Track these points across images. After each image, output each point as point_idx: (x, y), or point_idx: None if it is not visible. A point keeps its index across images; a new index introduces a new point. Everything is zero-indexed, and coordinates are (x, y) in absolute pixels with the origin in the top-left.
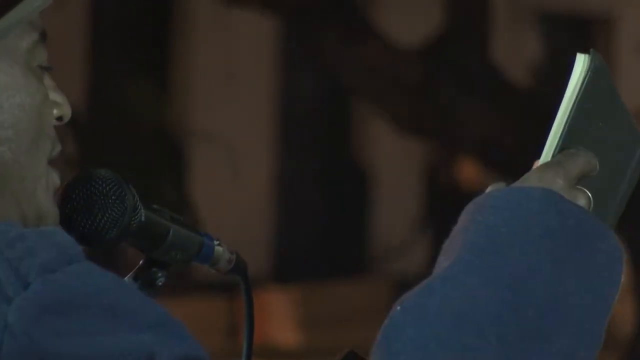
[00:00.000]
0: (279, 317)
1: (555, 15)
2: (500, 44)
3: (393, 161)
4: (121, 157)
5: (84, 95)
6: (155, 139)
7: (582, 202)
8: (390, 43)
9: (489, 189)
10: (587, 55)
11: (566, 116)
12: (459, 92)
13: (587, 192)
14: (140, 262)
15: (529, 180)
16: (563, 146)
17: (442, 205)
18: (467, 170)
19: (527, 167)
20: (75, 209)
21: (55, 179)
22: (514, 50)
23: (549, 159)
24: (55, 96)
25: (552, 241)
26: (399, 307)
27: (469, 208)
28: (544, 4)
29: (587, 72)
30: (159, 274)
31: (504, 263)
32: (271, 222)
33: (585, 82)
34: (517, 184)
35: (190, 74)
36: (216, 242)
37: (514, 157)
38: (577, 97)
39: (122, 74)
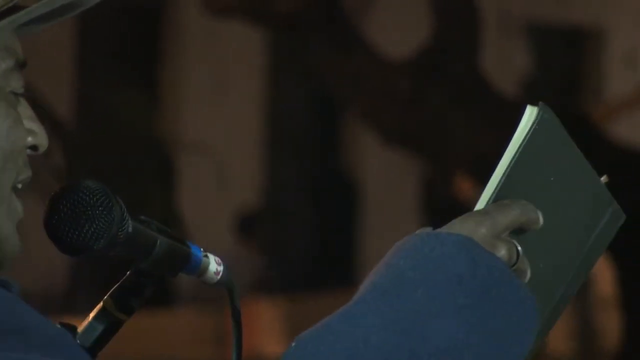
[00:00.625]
0: (267, 328)
1: (545, 27)
2: (490, 55)
3: (382, 173)
4: (110, 168)
5: (73, 106)
6: (144, 150)
7: (502, 252)
8: (379, 55)
9: (416, 232)
10: (535, 108)
11: (505, 167)
12: (449, 104)
13: (515, 243)
14: (128, 272)
15: (452, 226)
16: (499, 196)
17: (432, 217)
18: (457, 181)
19: None
20: (63, 219)
21: (18, 208)
22: (504, 62)
23: (482, 207)
24: (31, 125)
25: (458, 287)
26: (294, 344)
27: (391, 249)
28: (533, 15)
29: (533, 124)
30: (147, 285)
31: (405, 306)
32: (259, 232)
33: (530, 134)
34: (441, 229)
35: (180, 85)
36: (203, 254)
37: None
38: (518, 148)
39: (112, 85)
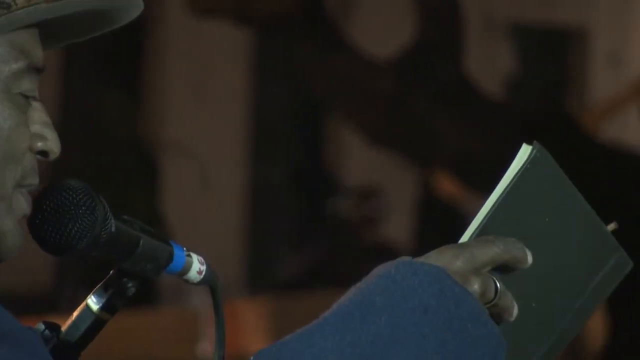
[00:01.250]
0: (251, 327)
1: (529, 28)
2: (474, 56)
3: (366, 173)
4: (93, 168)
5: (55, 106)
6: (127, 150)
7: (474, 287)
8: (363, 55)
9: (396, 260)
10: (530, 147)
11: (492, 203)
12: (433, 104)
13: (494, 280)
14: (111, 272)
15: (429, 257)
16: (483, 232)
17: (415, 217)
18: (442, 182)
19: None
20: (46, 219)
21: (23, 204)
22: (488, 62)
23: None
24: (42, 130)
25: (424, 317)
26: (252, 358)
27: (368, 275)
28: (517, 16)
29: (526, 162)
30: (130, 284)
31: (367, 331)
32: (243, 233)
33: (521, 172)
34: (418, 259)
35: (163, 85)
36: (186, 253)
37: (488, 169)
38: (508, 185)
39: (95, 85)
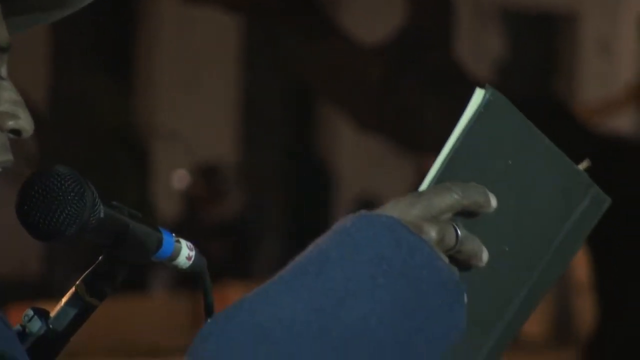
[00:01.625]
0: None
1: (519, 13)
2: (464, 41)
3: (356, 159)
4: (83, 155)
5: (46, 93)
6: (117, 136)
7: (431, 234)
8: (353, 41)
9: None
10: (482, 90)
11: (448, 150)
12: (422, 90)
13: (454, 225)
14: (100, 258)
15: (384, 208)
16: (441, 179)
17: None
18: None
19: None
20: (34, 205)
21: None
22: (478, 48)
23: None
24: (13, 108)
25: (378, 268)
26: (209, 320)
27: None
28: (507, 1)
29: (479, 107)
30: (119, 270)
31: (323, 285)
32: (233, 218)
33: (476, 116)
34: (374, 211)
35: (154, 72)
36: (175, 239)
37: None
38: (463, 132)
39: (85, 72)
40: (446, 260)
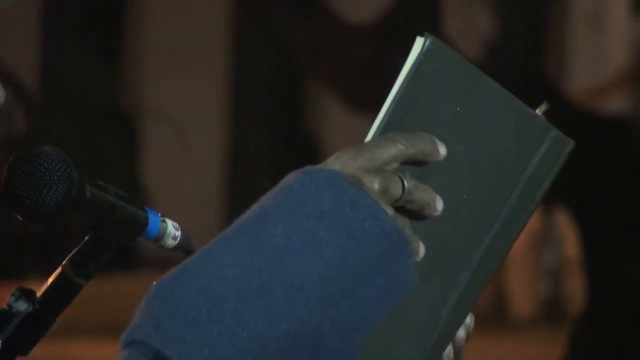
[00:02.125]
0: None
1: None
2: (453, 19)
3: (346, 138)
4: (72, 135)
5: (35, 73)
6: (106, 116)
7: (373, 185)
8: (341, 19)
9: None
10: (422, 39)
11: (391, 100)
12: None
13: (400, 175)
14: (86, 238)
15: (327, 162)
16: (386, 129)
17: None
18: None
19: None
20: (21, 185)
21: None
22: (467, 26)
23: None
24: None
25: (319, 223)
26: (155, 282)
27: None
28: None
29: (419, 55)
30: (105, 250)
31: (263, 242)
32: (221, 200)
33: (416, 64)
34: (318, 165)
35: (143, 52)
36: (161, 219)
37: None
38: (405, 80)
39: (74, 52)
40: (391, 211)
